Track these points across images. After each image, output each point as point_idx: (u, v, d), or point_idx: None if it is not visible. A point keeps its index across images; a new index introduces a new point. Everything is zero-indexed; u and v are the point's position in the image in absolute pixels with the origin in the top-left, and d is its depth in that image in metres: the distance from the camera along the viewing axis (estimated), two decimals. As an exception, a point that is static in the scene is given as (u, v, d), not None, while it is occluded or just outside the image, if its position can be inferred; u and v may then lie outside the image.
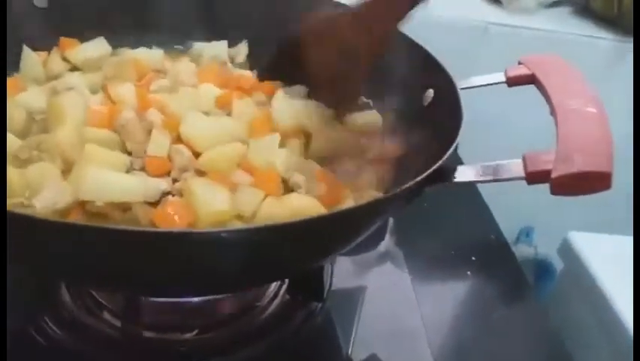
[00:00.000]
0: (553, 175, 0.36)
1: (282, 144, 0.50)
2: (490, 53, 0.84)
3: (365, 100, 0.61)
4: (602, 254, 0.75)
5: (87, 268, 0.37)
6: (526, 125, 0.78)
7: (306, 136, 0.53)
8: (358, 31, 0.52)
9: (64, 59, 0.59)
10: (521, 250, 0.94)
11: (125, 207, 0.42)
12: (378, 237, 0.64)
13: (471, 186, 0.75)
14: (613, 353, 0.67)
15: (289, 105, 0.54)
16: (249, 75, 0.60)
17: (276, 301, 0.52)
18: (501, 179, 0.39)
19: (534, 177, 0.38)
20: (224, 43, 0.64)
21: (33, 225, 0.32)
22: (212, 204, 0.41)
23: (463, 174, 0.40)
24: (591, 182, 0.36)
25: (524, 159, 0.39)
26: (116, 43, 0.61)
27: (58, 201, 0.40)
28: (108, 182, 0.41)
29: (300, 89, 0.60)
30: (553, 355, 0.56)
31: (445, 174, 0.40)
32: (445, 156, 0.39)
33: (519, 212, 0.89)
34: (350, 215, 0.36)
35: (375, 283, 0.58)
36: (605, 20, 0.93)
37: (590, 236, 0.74)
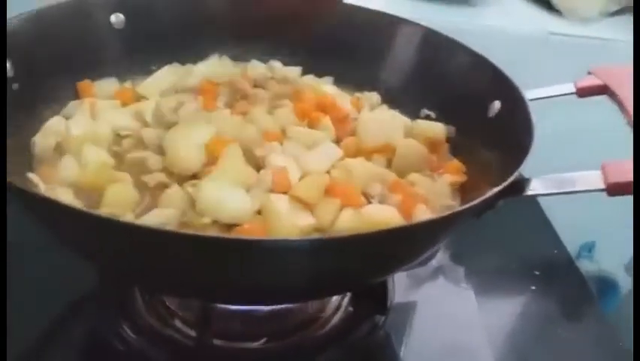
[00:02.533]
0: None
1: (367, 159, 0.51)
2: (552, 63, 0.82)
3: (427, 112, 0.61)
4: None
5: (164, 275, 0.39)
6: (590, 138, 0.76)
7: (389, 150, 0.54)
8: None
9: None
10: (583, 266, 0.90)
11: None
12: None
13: (532, 199, 0.74)
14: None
15: (374, 122, 0.55)
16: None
17: (340, 313, 0.53)
18: (579, 191, 0.39)
19: (616, 189, 0.37)
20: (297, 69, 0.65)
21: (113, 228, 0.34)
22: (296, 222, 0.42)
23: (537, 187, 0.40)
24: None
25: (604, 170, 0.38)
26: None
27: (169, 222, 0.42)
28: (224, 199, 0.43)
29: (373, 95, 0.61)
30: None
31: (520, 186, 0.40)
32: (520, 167, 0.39)
33: (580, 227, 0.86)
34: (428, 226, 0.36)
35: (435, 298, 0.58)
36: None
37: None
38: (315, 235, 0.43)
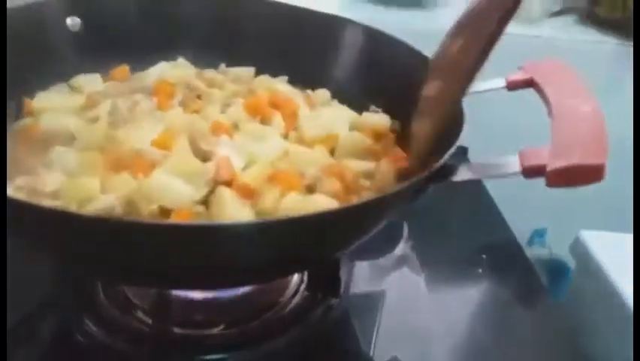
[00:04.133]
0: (549, 169, 0.39)
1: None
2: (495, 62, 0.87)
3: (375, 108, 0.64)
4: (614, 252, 0.76)
5: (118, 264, 0.41)
6: (527, 127, 0.80)
7: (332, 140, 0.57)
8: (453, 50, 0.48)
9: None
10: (535, 252, 0.95)
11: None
12: (394, 241, 0.67)
13: (481, 188, 0.78)
14: (627, 350, 0.68)
15: (315, 117, 0.58)
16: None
17: (297, 298, 0.56)
18: (498, 175, 0.42)
19: (530, 172, 0.41)
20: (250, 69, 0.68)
21: (68, 220, 0.35)
22: (238, 210, 0.45)
23: (463, 172, 0.43)
24: (585, 174, 0.39)
25: (520, 155, 0.42)
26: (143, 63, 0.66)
27: (116, 205, 0.44)
28: (168, 187, 0.46)
29: (324, 92, 0.65)
30: (569, 355, 0.57)
31: (445, 172, 0.43)
32: (445, 156, 0.42)
33: (531, 214, 0.90)
34: (356, 210, 0.39)
35: (391, 286, 0.61)
36: (610, 25, 0.95)
37: (601, 234, 0.75)
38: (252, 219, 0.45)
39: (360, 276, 0.61)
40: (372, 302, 0.59)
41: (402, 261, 0.66)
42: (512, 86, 0.54)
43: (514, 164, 0.41)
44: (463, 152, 0.73)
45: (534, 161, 0.40)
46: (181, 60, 0.67)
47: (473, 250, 0.69)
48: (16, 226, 0.39)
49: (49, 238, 0.40)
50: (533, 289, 0.66)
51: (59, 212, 0.37)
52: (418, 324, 0.57)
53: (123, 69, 0.64)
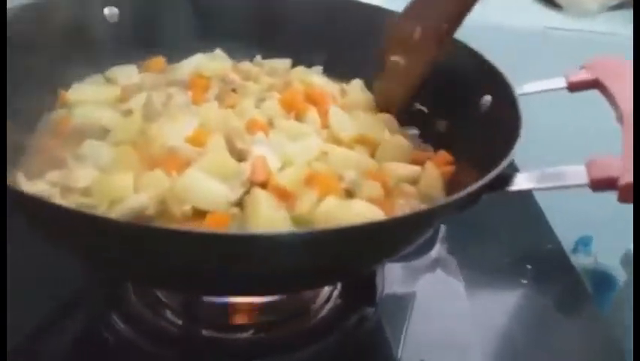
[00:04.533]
0: (621, 183, 0.35)
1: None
2: (550, 58, 0.82)
3: (420, 106, 0.61)
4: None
5: (151, 269, 0.39)
6: (585, 133, 0.75)
7: (372, 145, 0.54)
8: (411, 32, 0.56)
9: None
10: (580, 260, 0.90)
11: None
12: (430, 243, 0.64)
13: (527, 193, 0.73)
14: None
15: (347, 117, 0.55)
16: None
17: (329, 305, 0.53)
18: (562, 186, 0.38)
19: (599, 184, 0.36)
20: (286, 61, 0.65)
21: (97, 224, 0.34)
22: (273, 226, 0.43)
23: (522, 181, 0.40)
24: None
25: (588, 165, 0.38)
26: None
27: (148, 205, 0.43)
28: (203, 187, 0.44)
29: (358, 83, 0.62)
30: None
31: (503, 181, 0.40)
32: (503, 164, 0.39)
33: (576, 221, 0.85)
34: (406, 221, 0.36)
35: (427, 290, 0.58)
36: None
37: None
38: (293, 229, 0.43)
39: (393, 278, 0.57)
40: (405, 306, 0.55)
41: (436, 264, 0.62)
42: (574, 87, 0.49)
43: (580, 174, 0.37)
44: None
45: (604, 173, 0.36)
46: (218, 52, 0.65)
47: (516, 257, 0.65)
48: (42, 225, 0.38)
49: (75, 239, 0.38)
50: (578, 299, 0.62)
51: (86, 215, 0.35)
52: (454, 329, 0.53)
53: (159, 60, 0.62)
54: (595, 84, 0.48)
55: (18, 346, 0.46)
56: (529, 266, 0.63)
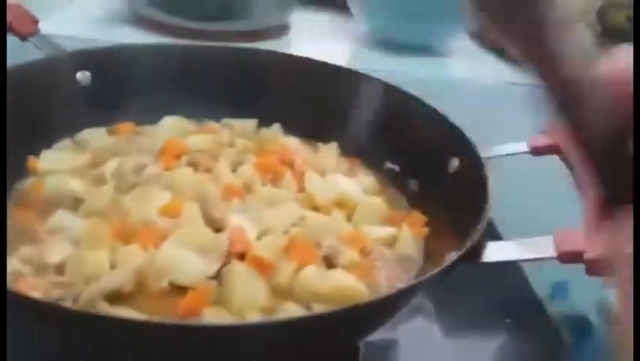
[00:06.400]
0: (586, 257, 0.37)
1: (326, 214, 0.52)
2: (514, 112, 0.85)
3: (391, 165, 0.62)
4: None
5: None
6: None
7: (348, 208, 0.54)
8: None
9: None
10: (557, 307, 0.91)
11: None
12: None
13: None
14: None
15: (323, 181, 0.56)
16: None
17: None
18: (532, 258, 0.40)
19: (566, 257, 0.38)
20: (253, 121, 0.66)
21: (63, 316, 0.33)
22: (252, 300, 0.43)
23: (493, 253, 0.41)
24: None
25: (555, 238, 0.39)
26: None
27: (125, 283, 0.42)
28: (180, 261, 0.44)
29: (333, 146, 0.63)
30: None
31: (475, 253, 0.41)
32: (473, 239, 0.40)
33: (552, 266, 0.87)
34: (389, 300, 0.37)
35: (406, 338, 0.58)
36: None
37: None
38: (271, 309, 0.43)
39: None
40: (385, 353, 0.55)
41: (417, 311, 0.62)
42: (537, 152, 0.52)
43: (549, 247, 0.39)
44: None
45: (570, 246, 0.38)
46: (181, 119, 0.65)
47: (494, 307, 0.66)
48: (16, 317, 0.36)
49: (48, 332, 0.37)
50: (556, 350, 0.63)
51: (58, 308, 0.34)
52: None
53: (128, 125, 0.62)
54: (556, 150, 0.50)
55: None
56: (508, 321, 0.64)
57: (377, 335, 0.55)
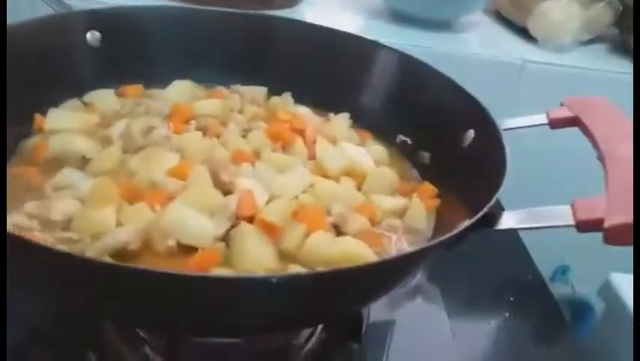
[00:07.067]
0: (606, 225, 0.36)
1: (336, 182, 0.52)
2: (528, 90, 0.84)
3: (403, 137, 0.61)
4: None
5: (130, 309, 0.37)
6: (569, 168, 0.77)
7: (359, 177, 0.54)
8: None
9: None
10: (557, 289, 0.91)
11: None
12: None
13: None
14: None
15: (334, 149, 0.55)
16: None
17: (313, 341, 0.52)
18: (548, 226, 0.38)
19: (585, 226, 0.37)
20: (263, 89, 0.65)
21: (76, 263, 0.32)
22: (260, 262, 0.42)
23: (507, 220, 0.40)
24: (644, 232, 0.35)
25: (573, 206, 0.38)
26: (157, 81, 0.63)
27: (132, 241, 0.41)
28: (187, 222, 0.43)
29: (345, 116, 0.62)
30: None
31: (489, 220, 0.40)
32: (490, 204, 0.39)
33: (554, 249, 0.87)
34: (397, 262, 0.36)
35: (411, 319, 0.57)
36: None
37: (632, 278, 0.72)
38: (278, 272, 0.42)
39: (377, 306, 0.56)
40: (388, 334, 0.55)
41: (417, 291, 0.62)
42: (555, 124, 0.51)
43: (566, 215, 0.38)
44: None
45: (590, 214, 0.37)
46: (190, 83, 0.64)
47: (496, 285, 0.66)
48: (15, 260, 0.36)
49: (48, 278, 0.36)
50: (557, 328, 0.63)
51: (61, 254, 0.33)
52: (435, 358, 0.53)
53: (137, 87, 0.61)
54: (575, 122, 0.49)
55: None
56: (512, 298, 0.63)
57: (379, 315, 0.56)
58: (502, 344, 0.58)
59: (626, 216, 0.36)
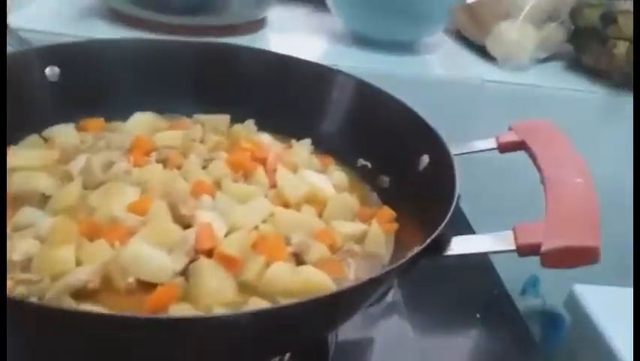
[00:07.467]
0: (542, 250, 0.37)
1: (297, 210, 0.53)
2: (488, 110, 0.87)
3: (364, 162, 0.63)
4: (608, 306, 0.75)
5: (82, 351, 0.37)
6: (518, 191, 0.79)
7: (319, 204, 0.55)
8: None
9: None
10: (529, 302, 0.93)
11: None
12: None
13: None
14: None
15: (295, 177, 0.56)
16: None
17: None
18: (493, 251, 0.40)
19: (525, 250, 0.39)
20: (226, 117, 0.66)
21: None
22: (219, 296, 0.43)
23: (456, 246, 0.42)
24: (580, 256, 0.37)
25: (515, 231, 0.40)
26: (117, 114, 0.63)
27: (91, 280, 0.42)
28: (146, 258, 0.44)
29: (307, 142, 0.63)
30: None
31: (439, 246, 0.41)
32: (438, 231, 0.41)
33: (523, 261, 0.89)
34: (352, 292, 0.37)
35: (380, 337, 0.58)
36: (596, 74, 0.96)
37: (596, 289, 0.74)
38: (238, 305, 0.43)
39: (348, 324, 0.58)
40: (358, 352, 0.56)
41: (392, 308, 0.63)
42: (504, 149, 0.53)
43: (508, 240, 0.40)
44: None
45: (529, 239, 0.39)
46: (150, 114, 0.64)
47: (463, 302, 0.67)
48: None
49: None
50: (524, 342, 0.64)
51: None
52: None
53: (97, 121, 0.62)
54: (522, 146, 0.51)
55: None
56: (478, 315, 0.65)
57: (351, 334, 0.56)
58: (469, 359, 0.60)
59: (563, 241, 0.38)
